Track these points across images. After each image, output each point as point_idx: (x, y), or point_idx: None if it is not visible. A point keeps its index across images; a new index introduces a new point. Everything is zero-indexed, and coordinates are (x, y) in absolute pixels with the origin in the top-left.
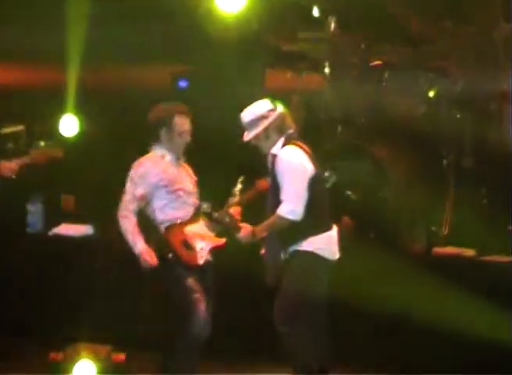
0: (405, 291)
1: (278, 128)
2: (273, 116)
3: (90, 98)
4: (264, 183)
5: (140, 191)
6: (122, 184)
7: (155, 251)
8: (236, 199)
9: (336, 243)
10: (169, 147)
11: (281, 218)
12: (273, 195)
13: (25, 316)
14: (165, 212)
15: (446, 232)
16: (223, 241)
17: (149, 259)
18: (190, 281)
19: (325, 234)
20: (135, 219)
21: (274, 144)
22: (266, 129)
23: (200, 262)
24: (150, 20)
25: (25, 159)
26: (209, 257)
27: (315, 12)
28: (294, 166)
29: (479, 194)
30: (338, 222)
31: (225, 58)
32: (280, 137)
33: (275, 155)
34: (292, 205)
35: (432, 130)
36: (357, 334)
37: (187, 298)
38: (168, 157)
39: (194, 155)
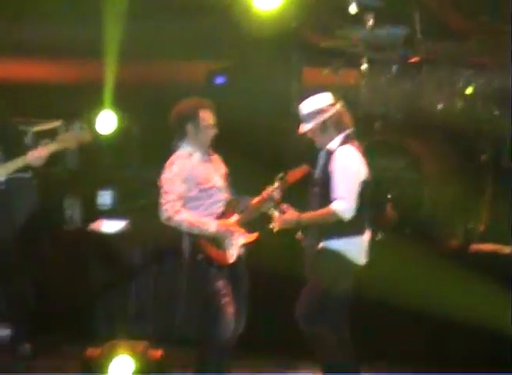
0: (441, 287)
1: (335, 124)
2: (332, 110)
3: (127, 94)
4: (295, 175)
5: (181, 189)
6: (157, 180)
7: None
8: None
9: (366, 248)
10: (196, 142)
11: (334, 214)
12: (322, 189)
13: (62, 313)
14: (196, 210)
15: (483, 229)
16: (255, 236)
17: (229, 228)
18: (220, 284)
19: (358, 238)
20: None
21: (330, 139)
22: (323, 123)
23: (231, 260)
24: (187, 17)
25: (53, 145)
26: (241, 253)
27: (353, 8)
28: (352, 166)
29: None
30: (380, 216)
31: (262, 55)
32: (338, 133)
33: (331, 152)
34: (346, 204)
35: (470, 127)
36: (393, 331)
37: (215, 302)
38: (196, 154)
39: (230, 151)
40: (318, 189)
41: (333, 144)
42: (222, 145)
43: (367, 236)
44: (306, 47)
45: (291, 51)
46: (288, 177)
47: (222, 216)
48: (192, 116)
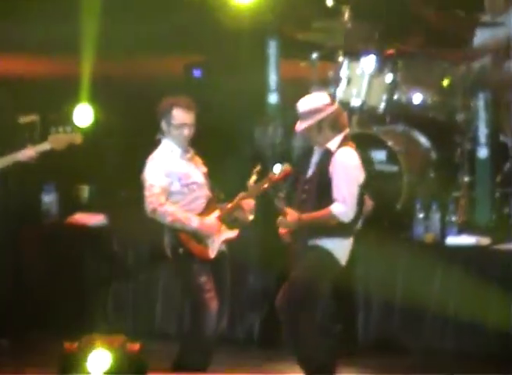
0: (419, 280)
1: (331, 124)
2: (328, 110)
3: (104, 88)
4: (277, 176)
5: (165, 182)
6: (136, 174)
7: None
8: (250, 191)
9: (350, 250)
10: (173, 139)
11: (333, 217)
12: (317, 189)
13: (39, 308)
14: (178, 205)
15: (460, 221)
16: (236, 232)
17: (211, 228)
18: (202, 279)
19: (347, 239)
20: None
21: (327, 139)
22: (319, 122)
23: (212, 255)
24: (163, 11)
25: (44, 146)
26: (223, 248)
27: (329, 0)
28: (354, 169)
29: (494, 183)
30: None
31: (239, 47)
32: (334, 133)
33: (330, 152)
34: (347, 208)
35: (447, 119)
36: (369, 321)
37: (198, 297)
38: (177, 150)
39: (207, 145)
40: (313, 188)
41: (332, 144)
42: (200, 139)
43: (352, 238)
44: (283, 39)
45: (268, 43)
46: (271, 177)
47: (204, 211)
48: (165, 114)
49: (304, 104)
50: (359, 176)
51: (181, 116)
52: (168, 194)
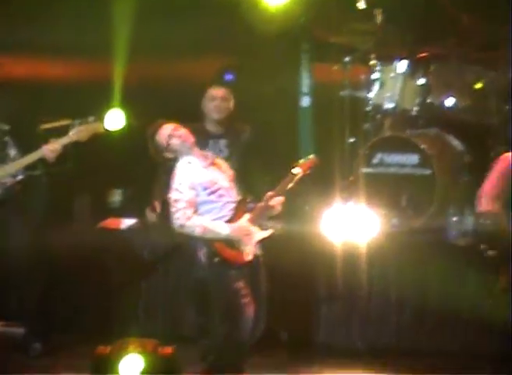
0: (452, 284)
1: None
2: None
3: (136, 92)
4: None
5: (189, 195)
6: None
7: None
8: (277, 189)
9: None
10: (183, 154)
11: None
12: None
13: (72, 312)
14: (210, 213)
15: None
16: (269, 232)
17: (243, 231)
18: (239, 285)
19: None
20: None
21: None
22: None
23: (247, 258)
24: (195, 14)
25: (66, 138)
26: (258, 251)
27: (362, 3)
28: None
29: None
30: None
31: (271, 51)
32: None
33: None
34: None
35: (480, 123)
36: (401, 324)
37: (236, 303)
38: (195, 160)
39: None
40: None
41: None
42: None
43: None
44: (315, 43)
45: (300, 47)
46: (301, 168)
47: (235, 216)
48: (156, 148)
49: None
50: None
51: (163, 137)
52: (195, 206)
